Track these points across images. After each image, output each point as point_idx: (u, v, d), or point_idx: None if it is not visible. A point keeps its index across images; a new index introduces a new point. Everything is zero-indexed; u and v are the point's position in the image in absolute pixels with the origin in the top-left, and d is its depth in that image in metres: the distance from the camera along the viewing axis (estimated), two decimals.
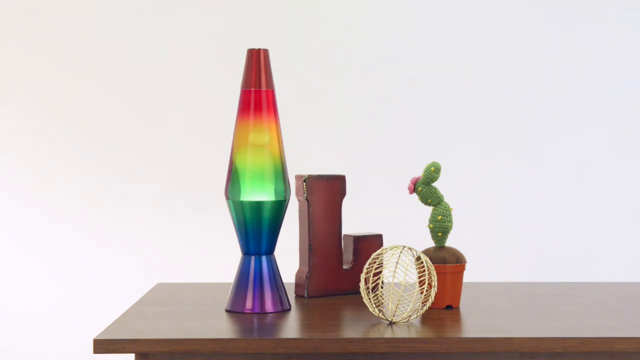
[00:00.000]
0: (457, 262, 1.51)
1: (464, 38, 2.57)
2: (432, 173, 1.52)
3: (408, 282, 1.56)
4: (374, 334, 1.31)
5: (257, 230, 1.47)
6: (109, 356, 2.15)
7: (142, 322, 1.38)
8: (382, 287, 1.56)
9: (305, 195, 1.60)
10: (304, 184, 1.60)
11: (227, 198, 1.48)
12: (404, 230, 2.20)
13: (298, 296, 1.63)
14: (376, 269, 1.49)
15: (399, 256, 1.41)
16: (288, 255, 1.81)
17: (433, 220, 1.53)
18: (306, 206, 1.61)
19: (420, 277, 1.44)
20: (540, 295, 1.64)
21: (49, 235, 2.53)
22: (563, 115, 2.58)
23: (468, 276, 1.75)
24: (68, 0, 2.54)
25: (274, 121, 1.48)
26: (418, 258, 1.44)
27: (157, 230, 2.54)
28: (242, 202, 1.46)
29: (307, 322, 1.41)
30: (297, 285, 1.63)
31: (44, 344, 2.50)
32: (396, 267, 1.40)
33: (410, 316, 1.39)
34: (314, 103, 2.56)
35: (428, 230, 1.54)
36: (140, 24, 2.55)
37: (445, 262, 1.50)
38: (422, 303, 1.42)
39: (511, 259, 2.56)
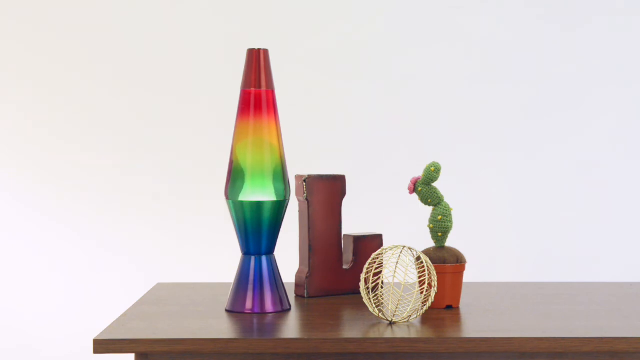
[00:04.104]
0: (457, 262, 1.51)
1: (464, 38, 2.57)
2: (432, 173, 1.52)
3: (408, 282, 1.56)
4: (374, 334, 1.31)
5: (257, 230, 1.47)
6: (109, 356, 2.15)
7: (142, 322, 1.38)
8: (382, 287, 1.56)
9: (305, 195, 1.60)
10: (304, 184, 1.60)
11: (227, 198, 1.48)
12: (404, 230, 2.20)
13: (298, 296, 1.63)
14: (376, 269, 1.49)
15: (399, 256, 1.41)
16: (288, 255, 1.81)
17: (433, 220, 1.53)
18: (306, 206, 1.61)
19: (420, 277, 1.45)
20: (540, 295, 1.64)
21: (49, 235, 2.53)
22: (563, 115, 2.58)
23: (468, 276, 1.75)
24: (68, 1, 2.54)
25: (274, 121, 1.48)
26: (418, 258, 1.44)
27: (157, 230, 2.54)
28: (242, 202, 1.46)
29: (307, 322, 1.41)
30: (297, 285, 1.63)
31: (44, 344, 2.51)
32: (396, 267, 1.40)
33: (410, 316, 1.39)
34: (314, 103, 2.56)
35: (428, 230, 1.54)
36: (141, 24, 2.55)
37: (445, 262, 1.50)
38: (422, 303, 1.42)
39: (511, 259, 2.56)
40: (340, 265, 1.65)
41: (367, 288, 1.43)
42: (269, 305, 1.47)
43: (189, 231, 2.55)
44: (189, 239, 2.54)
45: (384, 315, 1.39)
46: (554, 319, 1.42)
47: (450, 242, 1.63)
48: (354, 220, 1.90)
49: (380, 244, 1.68)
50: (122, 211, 2.54)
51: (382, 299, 1.50)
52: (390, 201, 2.49)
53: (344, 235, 1.68)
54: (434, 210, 1.53)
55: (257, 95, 1.47)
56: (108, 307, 2.43)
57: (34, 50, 2.54)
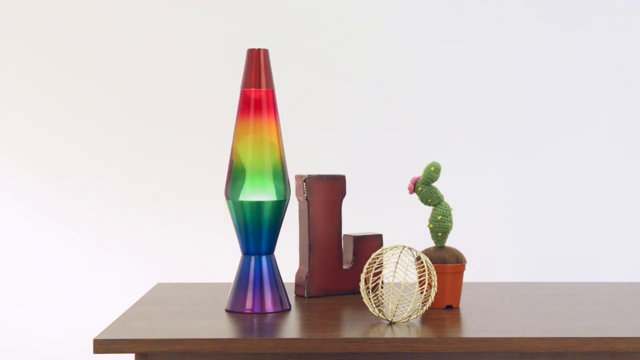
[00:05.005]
0: (457, 262, 1.51)
1: (464, 38, 2.57)
2: (432, 173, 1.52)
3: (408, 282, 1.56)
4: (374, 334, 1.31)
5: (257, 230, 1.47)
6: (109, 356, 2.15)
7: (142, 322, 1.38)
8: (382, 287, 1.56)
9: (305, 195, 1.60)
10: (304, 184, 1.60)
11: (227, 198, 1.48)
12: (404, 230, 2.20)
13: (298, 296, 1.63)
14: (376, 269, 1.49)
15: (399, 256, 1.41)
16: (288, 255, 1.81)
17: (433, 220, 1.53)
18: (306, 206, 1.61)
19: (420, 277, 1.45)
20: (540, 295, 1.64)
21: (49, 236, 2.53)
22: (563, 115, 2.58)
23: (468, 276, 1.75)
24: (68, 1, 2.54)
25: (274, 121, 1.48)
26: (418, 258, 1.44)
27: (157, 230, 2.54)
28: (242, 202, 1.46)
29: (307, 322, 1.41)
30: (297, 285, 1.63)
31: (44, 344, 2.50)
32: (396, 267, 1.40)
33: (410, 316, 1.39)
34: (314, 103, 2.56)
35: (428, 230, 1.54)
36: (141, 24, 2.55)
37: (445, 262, 1.50)
38: (422, 303, 1.42)
39: (511, 259, 2.56)
40: (340, 265, 1.65)
41: (367, 288, 1.43)
42: (269, 305, 1.47)
43: (189, 231, 2.54)
44: (189, 239, 2.54)
45: (384, 315, 1.39)
46: (554, 319, 1.42)
47: (450, 242, 1.62)
48: (354, 220, 1.90)
49: (380, 244, 1.68)
50: (122, 211, 2.54)
51: (382, 299, 1.50)
52: (390, 201, 2.49)
53: (344, 235, 1.68)
54: (434, 210, 1.53)
55: (257, 95, 1.47)
56: (108, 307, 2.43)
57: (34, 50, 2.54)
